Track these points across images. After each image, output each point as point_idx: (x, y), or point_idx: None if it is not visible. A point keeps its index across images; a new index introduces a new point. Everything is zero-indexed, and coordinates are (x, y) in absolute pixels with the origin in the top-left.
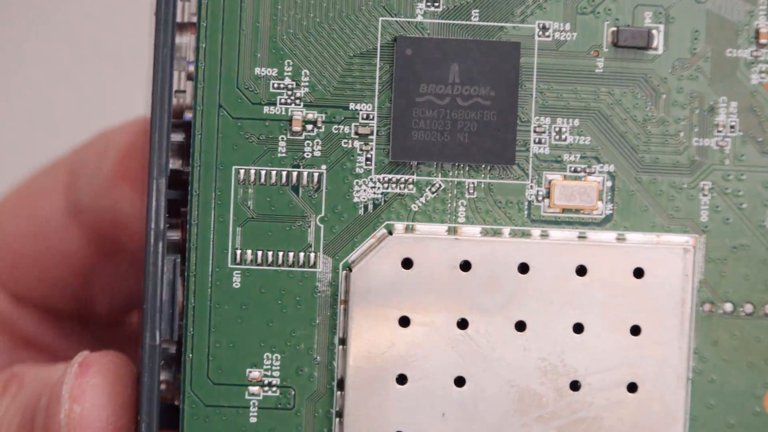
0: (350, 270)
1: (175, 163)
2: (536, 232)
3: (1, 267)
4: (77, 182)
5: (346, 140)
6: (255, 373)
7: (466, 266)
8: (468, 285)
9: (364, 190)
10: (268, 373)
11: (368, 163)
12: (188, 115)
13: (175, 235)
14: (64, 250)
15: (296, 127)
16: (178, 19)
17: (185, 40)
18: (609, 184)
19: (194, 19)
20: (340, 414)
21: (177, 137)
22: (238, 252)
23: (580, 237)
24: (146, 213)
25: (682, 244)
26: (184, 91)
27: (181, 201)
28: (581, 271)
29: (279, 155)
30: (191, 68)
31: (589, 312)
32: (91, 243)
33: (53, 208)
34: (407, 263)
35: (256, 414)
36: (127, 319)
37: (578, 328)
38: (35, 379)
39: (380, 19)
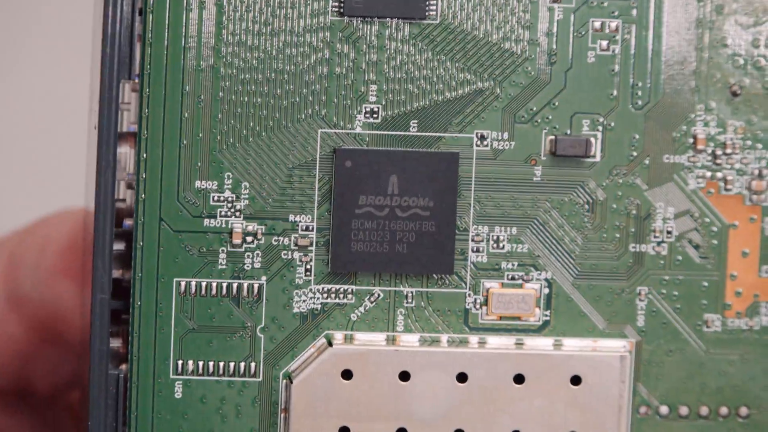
0: (290, 380)
1: (115, 272)
2: (474, 339)
3: None
4: (17, 272)
5: (285, 251)
6: None
7: (404, 376)
8: (407, 395)
9: (304, 301)
10: None
11: (308, 273)
12: (128, 223)
13: (116, 343)
14: (2, 334)
15: (236, 240)
16: (118, 129)
17: (125, 150)
18: (546, 291)
19: (134, 129)
20: None
21: (118, 246)
22: (180, 362)
23: (517, 344)
24: (89, 328)
25: (618, 350)
26: (124, 200)
27: (122, 309)
28: (519, 379)
29: (219, 267)
30: (131, 178)
31: (527, 419)
32: (30, 331)
33: None
34: (347, 374)
35: None
36: (67, 396)
37: None
38: None
39: (319, 130)
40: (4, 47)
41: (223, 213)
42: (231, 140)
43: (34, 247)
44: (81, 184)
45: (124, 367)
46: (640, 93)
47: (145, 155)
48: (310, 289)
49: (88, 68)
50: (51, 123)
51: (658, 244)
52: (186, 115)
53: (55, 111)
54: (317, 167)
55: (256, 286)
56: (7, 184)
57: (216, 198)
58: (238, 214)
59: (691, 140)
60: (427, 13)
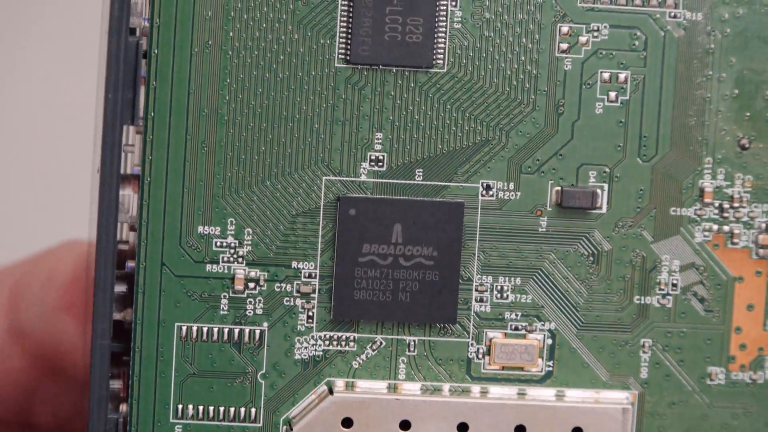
0: (291, 427)
1: (117, 314)
2: (476, 389)
3: None
4: (19, 305)
5: (288, 298)
6: None
7: (405, 425)
8: None
9: (306, 347)
10: None
11: (310, 321)
12: (130, 264)
13: (116, 384)
14: (4, 367)
15: (238, 286)
16: (122, 171)
17: (128, 192)
18: (550, 341)
19: (137, 170)
20: None
21: (120, 287)
22: (180, 407)
23: (519, 394)
24: (90, 373)
25: (621, 402)
26: (126, 242)
27: (123, 351)
28: (520, 429)
29: (221, 313)
30: (133, 220)
31: None
32: (32, 364)
33: None
34: (347, 422)
35: None
36: (69, 428)
37: None
38: None
39: (324, 178)
40: (11, 76)
41: (225, 259)
42: (234, 186)
43: (38, 282)
44: (86, 216)
45: (123, 407)
46: (647, 145)
47: (147, 200)
48: (312, 336)
49: (93, 99)
50: (57, 153)
51: (663, 296)
52: (189, 159)
53: (61, 142)
54: (321, 214)
55: (257, 332)
56: (12, 214)
57: (218, 243)
58: (240, 260)
59: (698, 193)
60: (434, 62)
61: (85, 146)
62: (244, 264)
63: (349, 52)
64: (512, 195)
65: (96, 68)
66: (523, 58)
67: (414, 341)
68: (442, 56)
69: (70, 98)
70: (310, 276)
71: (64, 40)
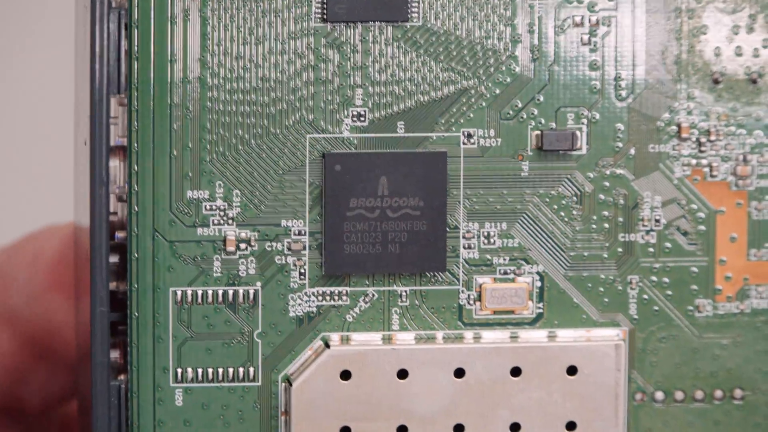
0: (289, 383)
1: (110, 285)
2: (469, 335)
3: None
4: (7, 288)
5: (279, 256)
6: None
7: (402, 374)
8: (406, 392)
9: (300, 304)
10: None
11: (302, 277)
12: (120, 235)
13: (114, 354)
14: None
15: (230, 247)
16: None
17: (114, 164)
18: (539, 284)
19: (121, 142)
20: None
21: (112, 258)
22: (179, 370)
23: (512, 338)
24: (88, 341)
25: (612, 339)
26: (115, 213)
27: (118, 321)
28: (515, 372)
29: (214, 275)
30: (121, 191)
31: (526, 411)
32: (22, 346)
33: None
34: (345, 374)
35: None
36: (60, 409)
37: (515, 428)
38: None
39: (308, 136)
40: None
41: (215, 221)
42: (220, 149)
43: (24, 263)
44: (69, 199)
45: (122, 377)
46: (623, 84)
47: (136, 168)
48: (305, 293)
49: (71, 82)
50: (36, 138)
51: (647, 232)
52: (175, 126)
53: (39, 126)
54: (307, 172)
55: (251, 291)
56: None
57: (208, 207)
58: (230, 221)
59: (675, 129)
60: (409, 15)
61: (65, 127)
62: (235, 225)
63: (325, 10)
64: (493, 141)
65: (73, 47)
66: (495, 5)
67: (405, 292)
68: (416, 9)
69: (49, 84)
70: (299, 233)
71: (39, 25)
